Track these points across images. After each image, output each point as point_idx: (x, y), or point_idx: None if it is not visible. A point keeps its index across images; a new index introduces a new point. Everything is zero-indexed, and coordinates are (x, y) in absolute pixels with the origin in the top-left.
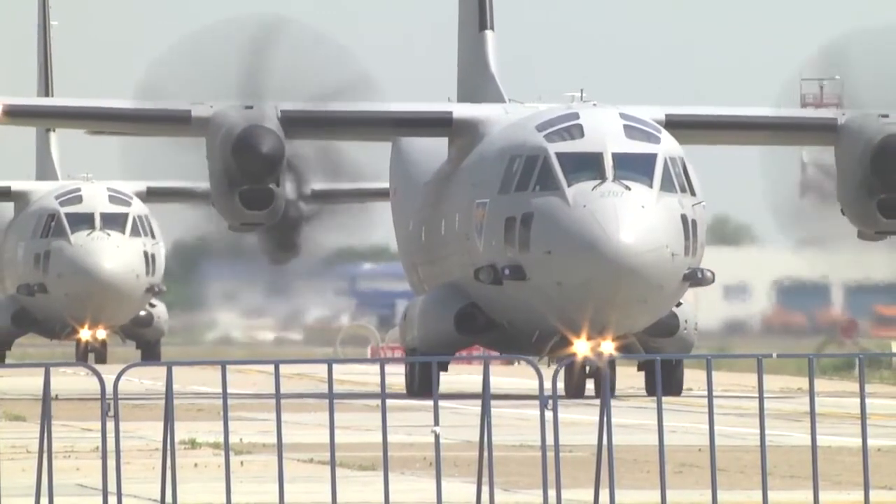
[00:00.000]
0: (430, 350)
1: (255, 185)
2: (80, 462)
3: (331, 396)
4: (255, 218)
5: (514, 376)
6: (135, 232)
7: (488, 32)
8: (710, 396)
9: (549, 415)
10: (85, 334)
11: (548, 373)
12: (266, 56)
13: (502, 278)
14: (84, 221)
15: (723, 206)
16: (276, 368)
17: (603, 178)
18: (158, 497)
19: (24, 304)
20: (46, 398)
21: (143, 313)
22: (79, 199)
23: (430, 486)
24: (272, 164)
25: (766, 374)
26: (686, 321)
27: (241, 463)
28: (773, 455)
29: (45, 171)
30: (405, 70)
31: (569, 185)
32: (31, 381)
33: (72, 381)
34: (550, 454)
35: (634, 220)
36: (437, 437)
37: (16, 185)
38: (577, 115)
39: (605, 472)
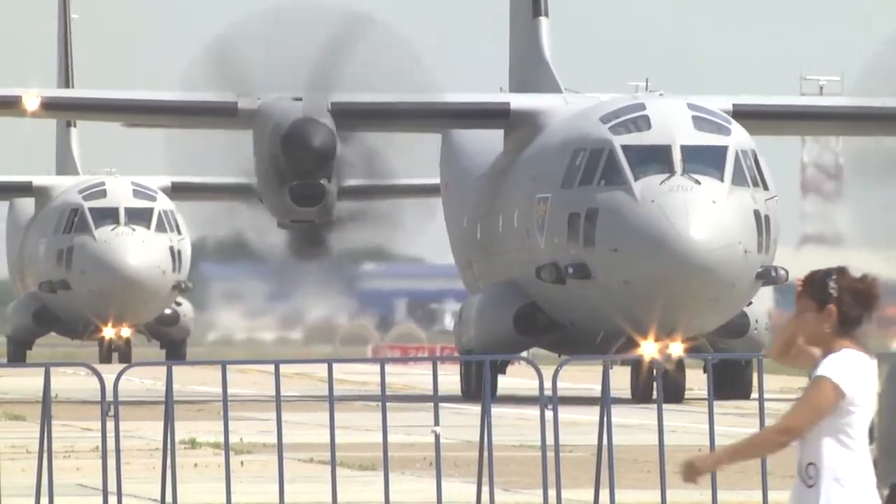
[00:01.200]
0: (486, 352)
1: (306, 180)
2: (80, 462)
3: (331, 397)
4: (305, 215)
5: (514, 377)
6: (160, 227)
7: (542, 19)
8: (710, 396)
9: (548, 414)
10: (108, 333)
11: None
12: (314, 45)
13: (565, 277)
14: (108, 216)
15: None
16: (277, 368)
17: (671, 171)
18: (158, 497)
19: (45, 302)
20: (46, 398)
21: (168, 311)
22: (103, 194)
23: (431, 486)
24: (324, 159)
25: (766, 374)
26: (756, 321)
27: (242, 463)
28: (774, 455)
29: (65, 165)
30: (453, 59)
31: (636, 180)
32: (31, 381)
33: (72, 381)
34: (550, 454)
35: (705, 215)
36: (437, 437)
37: (37, 181)
38: (643, 106)
39: (605, 472)
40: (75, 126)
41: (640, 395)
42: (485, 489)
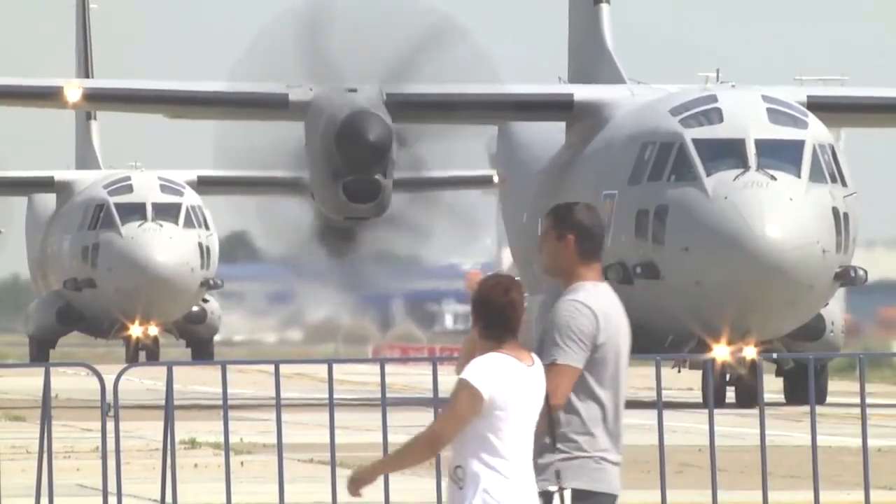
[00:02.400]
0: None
1: (361, 175)
2: (80, 462)
3: (331, 397)
4: (360, 212)
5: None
6: (188, 223)
7: (604, 6)
8: (710, 396)
9: None
10: (136, 331)
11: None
12: (368, 34)
13: (633, 277)
14: (135, 212)
15: None
16: (277, 369)
17: (745, 167)
18: (158, 497)
19: (69, 301)
20: (46, 398)
21: (195, 309)
22: (129, 189)
23: (431, 486)
24: (379, 153)
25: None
26: (833, 323)
27: (242, 463)
28: (773, 455)
29: (85, 159)
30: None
31: (708, 175)
32: (31, 382)
33: (72, 381)
34: None
35: (781, 213)
36: None
37: (59, 175)
38: (714, 98)
39: None
40: (95, 118)
41: (714, 399)
42: None
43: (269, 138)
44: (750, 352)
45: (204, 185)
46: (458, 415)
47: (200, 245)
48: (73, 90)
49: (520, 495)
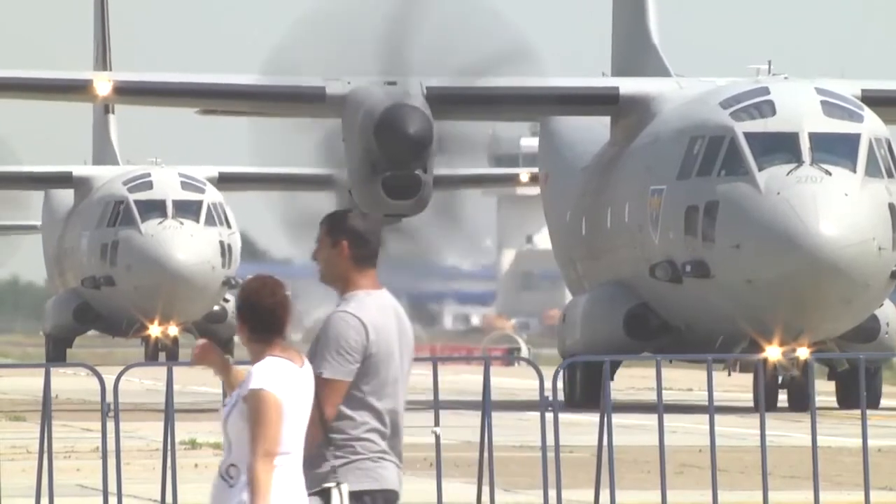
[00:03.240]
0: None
1: (401, 171)
2: (81, 462)
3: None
4: (399, 208)
5: (514, 376)
6: (209, 221)
7: None
8: (710, 396)
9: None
10: (155, 331)
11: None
12: (408, 25)
13: (682, 275)
14: (155, 209)
15: None
16: None
17: (799, 161)
18: (158, 497)
19: (87, 299)
20: (47, 399)
21: (216, 308)
22: (149, 186)
23: (431, 487)
24: (419, 148)
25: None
26: (888, 324)
27: None
28: (773, 455)
29: (103, 154)
30: (550, 40)
31: (760, 170)
32: (31, 381)
33: (72, 381)
34: (551, 455)
35: (836, 209)
36: (437, 437)
37: (77, 171)
38: (766, 90)
39: (605, 472)
40: (113, 112)
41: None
42: (485, 489)
43: (305, 133)
44: (803, 353)
45: (225, 182)
46: (273, 426)
47: (222, 243)
48: (103, 83)
49: (290, 494)
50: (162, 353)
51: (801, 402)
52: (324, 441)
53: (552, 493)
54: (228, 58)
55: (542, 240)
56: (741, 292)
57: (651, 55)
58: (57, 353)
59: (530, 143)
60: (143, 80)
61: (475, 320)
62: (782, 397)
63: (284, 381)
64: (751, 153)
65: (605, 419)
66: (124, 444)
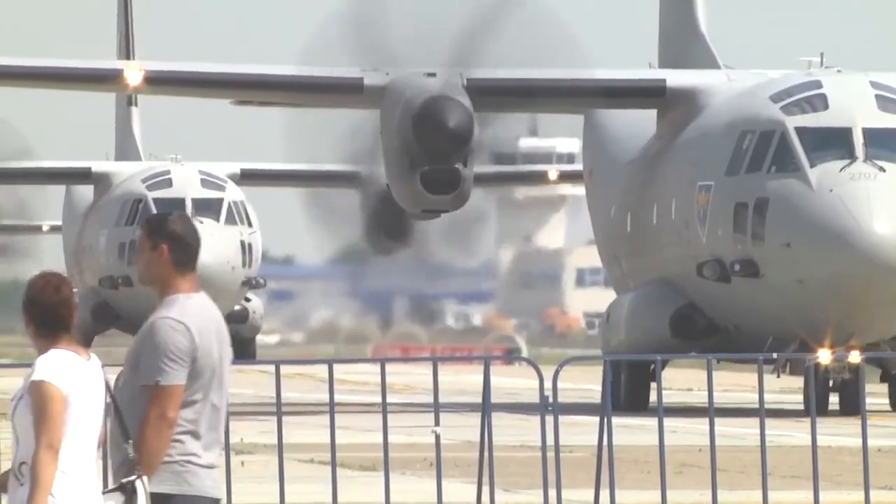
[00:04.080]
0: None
1: (440, 164)
2: None
3: (332, 398)
4: (438, 204)
5: (514, 376)
6: (230, 219)
7: None
8: (710, 396)
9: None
10: None
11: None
12: (448, 15)
13: (731, 274)
14: (174, 207)
15: None
16: (277, 369)
17: (852, 157)
18: None
19: (105, 298)
20: None
21: (237, 308)
22: (168, 183)
23: (431, 487)
24: (460, 141)
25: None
26: None
27: (242, 463)
28: (773, 455)
29: (125, 149)
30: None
31: (811, 166)
32: None
33: None
34: (551, 454)
35: (890, 207)
36: (437, 437)
37: (97, 167)
38: (819, 84)
39: (605, 472)
40: (136, 104)
41: (816, 407)
42: (485, 489)
43: (341, 127)
44: (854, 355)
45: (247, 178)
46: (56, 418)
47: (242, 243)
48: (134, 73)
49: (81, 492)
50: None
51: (853, 404)
52: (130, 441)
53: (552, 493)
54: (256, 48)
55: (542, 239)
56: (791, 292)
57: (699, 46)
58: None
59: (528, 143)
60: (175, 70)
61: (475, 320)
62: (833, 399)
63: (69, 373)
64: (802, 149)
65: (606, 419)
66: None
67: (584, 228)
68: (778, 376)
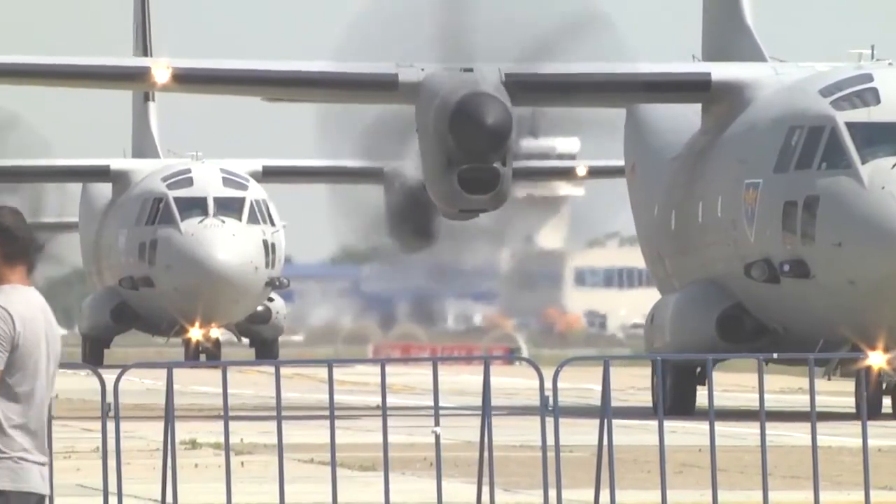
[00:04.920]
0: (684, 360)
1: (478, 163)
2: (81, 462)
3: (331, 398)
4: (477, 203)
5: (514, 376)
6: (252, 218)
7: None
8: (710, 396)
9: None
10: (196, 334)
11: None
12: (484, 8)
13: (780, 275)
14: (195, 207)
15: None
16: (277, 370)
17: None
18: (159, 497)
19: (125, 299)
20: None
21: (259, 308)
22: (189, 182)
23: (431, 487)
24: (498, 139)
25: (766, 374)
26: None
27: (242, 463)
28: (773, 455)
29: (143, 147)
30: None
31: (863, 163)
32: None
33: (72, 381)
34: (551, 454)
35: None
36: (437, 437)
37: (115, 164)
38: (870, 77)
39: (605, 472)
40: (153, 100)
41: (868, 410)
42: (485, 489)
43: (374, 124)
44: None
45: (269, 176)
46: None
47: (265, 242)
48: (162, 71)
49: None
50: (202, 356)
51: None
52: None
53: (552, 493)
54: (276, 44)
55: (542, 239)
56: (843, 293)
57: (745, 38)
58: (94, 354)
59: (526, 142)
60: (205, 68)
61: (476, 319)
62: (886, 402)
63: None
64: (853, 145)
65: (605, 419)
66: (124, 444)
67: (585, 228)
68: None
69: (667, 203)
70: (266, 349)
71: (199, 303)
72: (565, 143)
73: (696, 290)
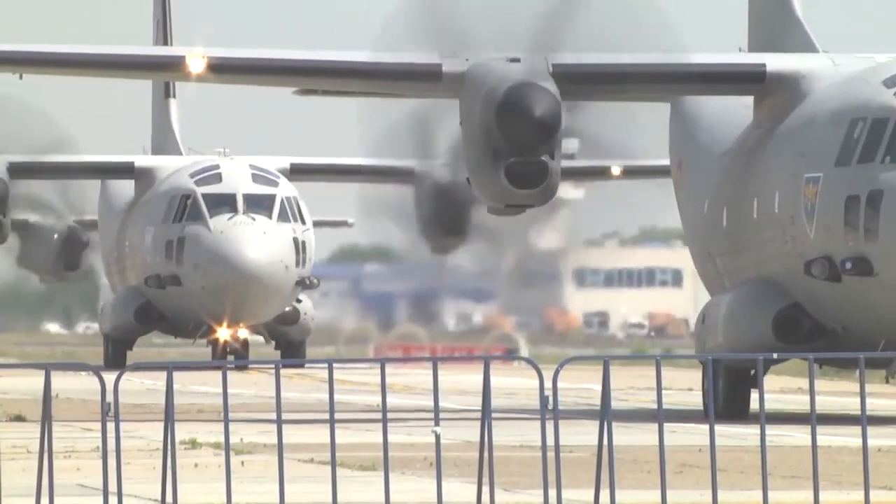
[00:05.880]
0: (738, 361)
1: (525, 156)
2: (81, 462)
3: (331, 398)
4: (525, 199)
5: (515, 376)
6: (283, 216)
7: None
8: (710, 396)
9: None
10: (223, 334)
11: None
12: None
13: (841, 273)
14: (224, 204)
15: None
16: (277, 369)
17: None
18: (159, 497)
19: (150, 298)
20: (47, 399)
21: (287, 309)
22: (217, 179)
23: (431, 486)
24: (548, 131)
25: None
26: None
27: (242, 463)
28: (773, 455)
29: (163, 143)
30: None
31: None
32: (31, 382)
33: (73, 381)
34: (551, 454)
35: None
36: (437, 437)
37: (139, 161)
38: None
39: (605, 472)
40: (175, 95)
41: None
42: (485, 489)
43: (409, 118)
44: None
45: (297, 173)
46: None
47: (295, 240)
48: (196, 60)
49: None
50: (230, 357)
51: None
52: None
53: (552, 493)
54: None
55: (542, 239)
56: None
57: (795, 29)
58: (116, 355)
59: None
60: (241, 57)
61: (476, 319)
62: None
63: None
64: None
65: (605, 419)
66: (124, 444)
67: (585, 228)
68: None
69: (718, 200)
70: (293, 352)
71: (228, 303)
72: (565, 143)
73: (750, 290)
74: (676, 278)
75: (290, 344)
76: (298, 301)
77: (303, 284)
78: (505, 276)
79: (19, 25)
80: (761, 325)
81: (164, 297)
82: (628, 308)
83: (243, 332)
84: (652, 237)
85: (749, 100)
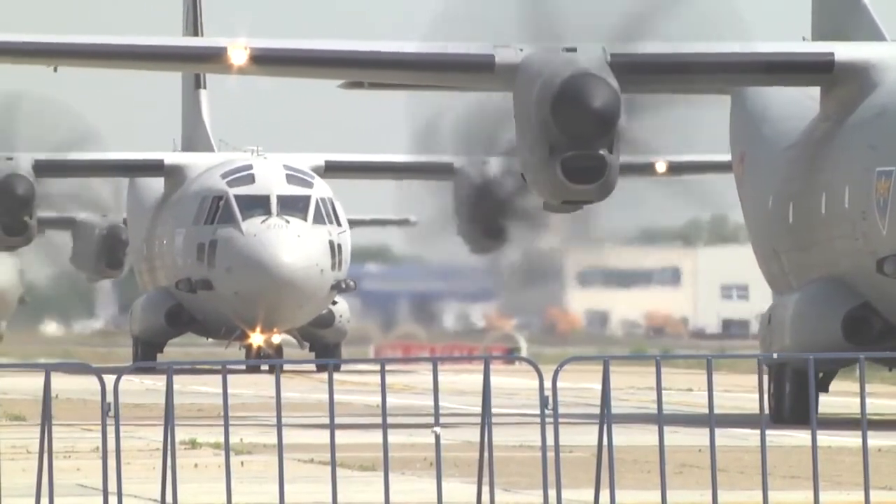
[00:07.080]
0: (806, 363)
1: (583, 150)
2: (81, 462)
3: (331, 398)
4: (582, 194)
5: (515, 376)
6: (318, 218)
7: None
8: (710, 396)
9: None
10: (257, 339)
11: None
12: None
13: None
14: (257, 205)
15: (722, 205)
16: (277, 369)
17: None
18: (158, 497)
19: (181, 301)
20: (47, 399)
21: (323, 311)
22: (250, 179)
23: (431, 487)
24: (606, 124)
25: (765, 374)
26: None
27: (242, 463)
28: (773, 455)
29: (194, 139)
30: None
31: None
32: (31, 381)
33: (73, 381)
34: (551, 454)
35: None
36: (437, 437)
37: (169, 158)
38: None
39: (605, 472)
40: (205, 87)
41: None
42: (485, 489)
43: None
44: None
45: (332, 171)
46: None
47: (331, 243)
48: (239, 52)
49: None
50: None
51: None
52: None
53: (552, 493)
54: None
55: (543, 238)
56: None
57: (861, 17)
58: (146, 358)
59: None
60: (286, 48)
61: (476, 319)
62: None
63: None
64: None
65: (605, 419)
66: (124, 444)
67: (585, 228)
68: None
69: (783, 195)
70: (328, 355)
71: (262, 308)
72: None
73: (818, 289)
74: (675, 278)
75: (324, 348)
76: (334, 303)
77: (338, 288)
78: (505, 276)
79: (34, 17)
80: (830, 325)
81: (196, 300)
82: (627, 308)
83: (277, 338)
84: (652, 237)
85: (815, 91)
